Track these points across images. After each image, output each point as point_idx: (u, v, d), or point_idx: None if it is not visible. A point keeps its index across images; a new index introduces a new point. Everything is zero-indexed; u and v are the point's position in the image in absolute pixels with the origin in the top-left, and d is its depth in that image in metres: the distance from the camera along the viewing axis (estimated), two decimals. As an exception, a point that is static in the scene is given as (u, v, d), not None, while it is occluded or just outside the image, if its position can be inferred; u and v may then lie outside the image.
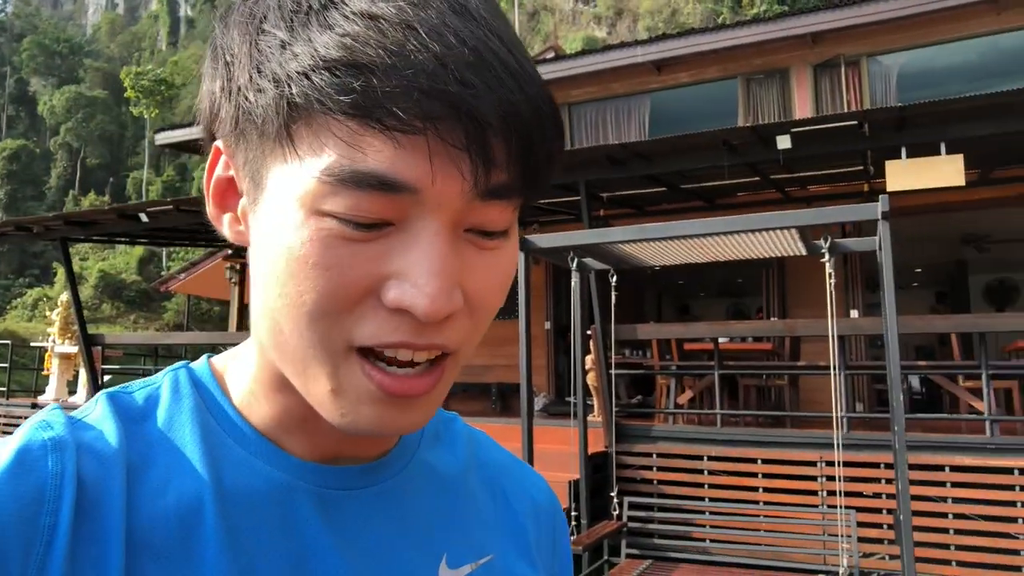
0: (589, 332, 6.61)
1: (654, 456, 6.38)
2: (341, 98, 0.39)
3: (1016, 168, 7.81)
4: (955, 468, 5.59)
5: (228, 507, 0.47)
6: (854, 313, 8.38)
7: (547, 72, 10.06)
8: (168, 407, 0.50)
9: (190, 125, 13.61)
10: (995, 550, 5.40)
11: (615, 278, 4.68)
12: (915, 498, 5.54)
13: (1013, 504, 5.42)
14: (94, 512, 0.43)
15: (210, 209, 0.49)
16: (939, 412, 7.41)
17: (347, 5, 0.41)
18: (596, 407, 6.84)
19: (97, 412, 0.48)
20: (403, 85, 0.39)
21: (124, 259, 50.44)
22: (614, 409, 6.52)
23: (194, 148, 13.79)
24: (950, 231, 10.03)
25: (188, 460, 0.48)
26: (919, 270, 12.64)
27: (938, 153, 5.65)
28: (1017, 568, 5.36)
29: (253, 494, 0.48)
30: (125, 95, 53.64)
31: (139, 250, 48.33)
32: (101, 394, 0.50)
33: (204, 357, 0.55)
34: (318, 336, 0.43)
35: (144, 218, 8.13)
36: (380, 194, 0.40)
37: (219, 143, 0.48)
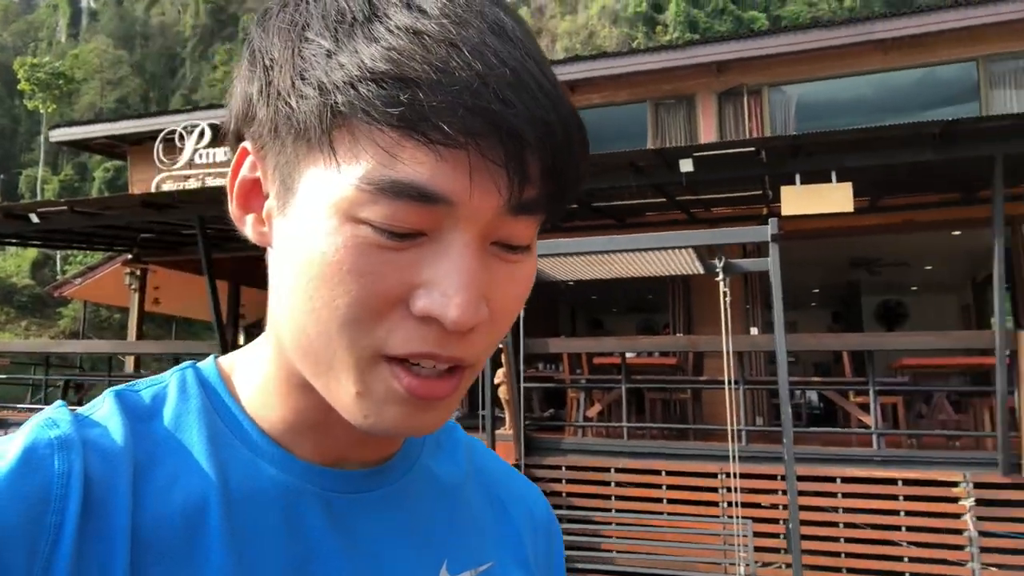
0: (500, 346, 6.64)
1: (563, 468, 6.45)
2: (388, 110, 0.40)
3: (902, 197, 8.35)
4: (845, 479, 5.89)
5: (233, 508, 0.47)
6: (754, 330, 8.74)
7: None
8: (175, 406, 0.50)
9: (91, 123, 12.95)
10: (881, 556, 5.71)
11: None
12: (808, 508, 5.81)
13: (896, 513, 5.76)
14: (100, 511, 0.43)
15: (233, 209, 0.50)
16: (835, 426, 7.77)
17: (391, 19, 0.41)
18: (507, 420, 6.87)
19: (104, 410, 0.48)
20: (448, 101, 0.39)
21: (15, 261, 47.32)
22: (524, 422, 6.57)
23: (95, 148, 13.12)
24: (843, 255, 10.61)
25: (195, 460, 0.48)
26: (816, 291, 13.31)
27: (829, 180, 5.99)
28: (900, 573, 5.69)
29: (258, 496, 0.48)
30: (19, 87, 50.49)
31: (32, 252, 45.47)
32: (108, 392, 0.50)
33: (211, 358, 0.55)
34: (347, 341, 0.44)
35: (35, 219, 7.67)
36: (417, 204, 0.41)
37: (247, 144, 0.48)
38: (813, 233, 8.20)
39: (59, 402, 0.49)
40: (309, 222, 0.43)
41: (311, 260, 0.43)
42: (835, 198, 5.92)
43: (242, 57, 0.48)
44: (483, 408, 5.77)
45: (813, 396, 10.98)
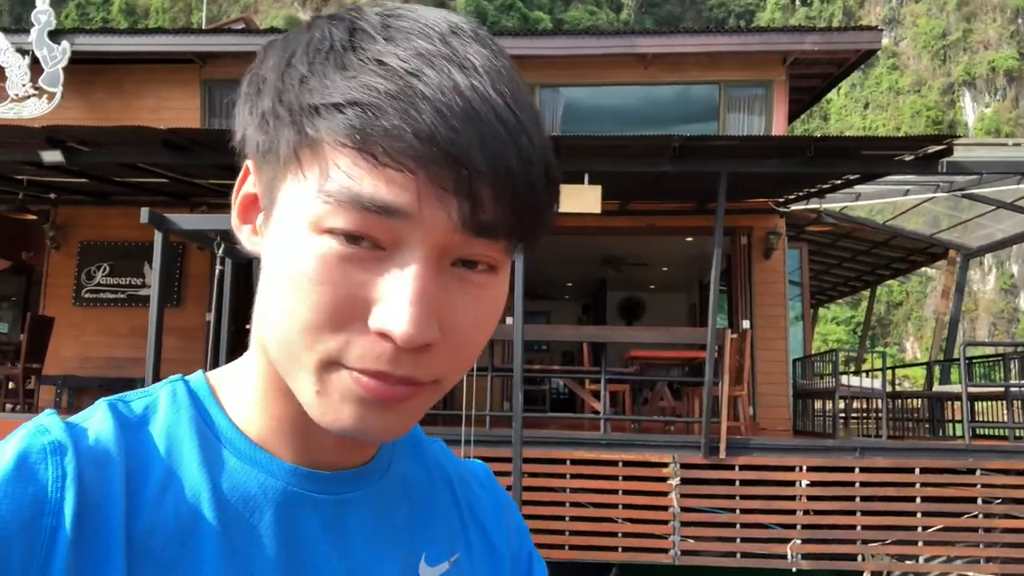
0: (248, 326, 6.28)
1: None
2: (346, 132, 0.43)
3: (647, 203, 9.15)
4: (574, 461, 6.34)
5: (225, 513, 0.49)
6: (509, 320, 9.11)
7: (234, 44, 9.44)
8: (166, 417, 0.52)
9: None
10: (599, 533, 6.23)
11: (269, 270, 4.48)
12: (540, 489, 6.17)
13: (615, 492, 6.31)
14: (94, 517, 0.44)
15: (234, 220, 0.53)
16: (577, 411, 8.33)
17: (365, 51, 0.45)
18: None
19: (96, 419, 0.49)
20: (398, 128, 0.42)
21: None
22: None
23: None
24: (595, 252, 11.43)
25: (186, 468, 0.49)
26: (570, 284, 14.22)
27: (582, 183, 6.38)
28: (615, 548, 6.24)
29: (249, 500, 0.50)
30: None
31: None
32: (100, 402, 0.51)
33: (200, 371, 0.57)
34: (307, 345, 0.46)
35: None
36: (375, 216, 0.43)
37: (249, 162, 0.52)
38: (570, 231, 8.70)
39: (49, 410, 0.50)
40: (284, 233, 0.47)
41: (283, 267, 0.46)
42: (586, 199, 6.31)
43: (245, 79, 0.51)
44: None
45: (560, 383, 11.72)
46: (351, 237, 0.44)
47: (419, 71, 0.44)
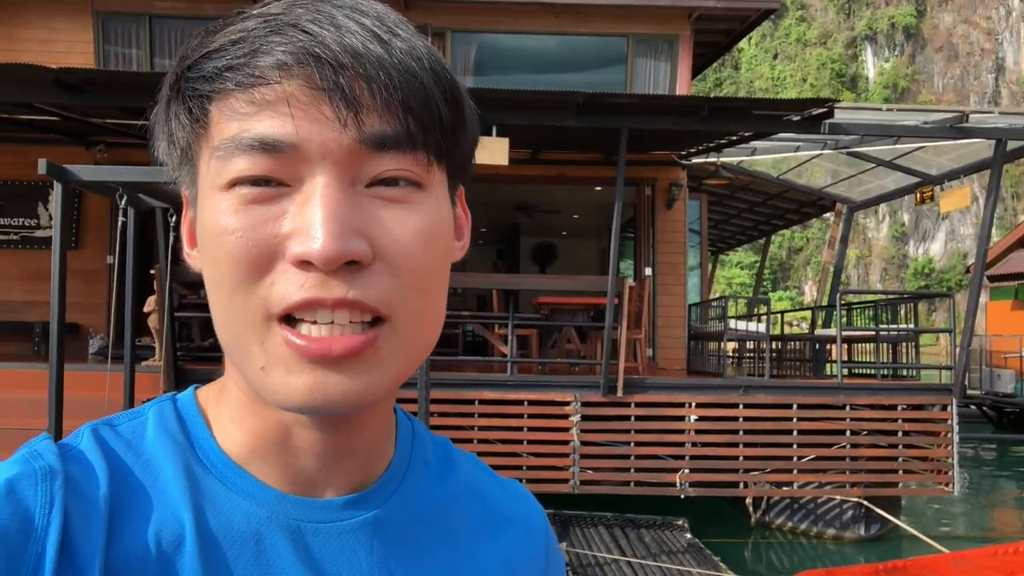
0: (152, 271, 6.21)
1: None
2: (213, 74, 0.44)
3: (558, 153, 9.36)
4: (483, 401, 6.65)
5: (206, 545, 0.47)
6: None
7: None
8: (152, 441, 0.50)
9: None
10: (506, 467, 6.59)
11: (175, 218, 4.47)
12: (449, 428, 6.46)
13: (520, 429, 6.67)
14: (75, 546, 0.43)
15: (185, 250, 0.52)
16: (489, 355, 8.59)
17: (237, 16, 0.46)
18: (157, 351, 6.50)
19: (83, 446, 0.48)
20: (259, 48, 0.43)
21: None
22: (176, 353, 6.28)
23: None
24: (508, 199, 11.60)
25: (169, 498, 0.48)
26: (484, 230, 14.39)
27: (490, 134, 6.51)
28: (520, 479, 6.61)
29: (231, 531, 0.48)
30: None
31: None
32: (86, 427, 0.50)
33: (191, 388, 0.55)
34: (239, 309, 0.45)
35: None
36: (265, 155, 0.44)
37: (182, 189, 0.51)
38: (482, 178, 8.83)
39: (43, 434, 0.49)
40: (201, 212, 0.47)
41: (207, 240, 0.46)
42: (493, 151, 6.44)
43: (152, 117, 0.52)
44: (127, 339, 5.37)
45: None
46: (252, 182, 0.44)
47: (286, 11, 0.45)
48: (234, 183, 0.44)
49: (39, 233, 8.85)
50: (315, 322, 0.44)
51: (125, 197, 3.92)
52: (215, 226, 0.45)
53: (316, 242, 0.42)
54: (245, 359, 0.46)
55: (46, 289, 4.13)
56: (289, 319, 0.44)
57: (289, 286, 0.43)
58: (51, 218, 8.80)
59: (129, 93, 6.08)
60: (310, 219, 0.43)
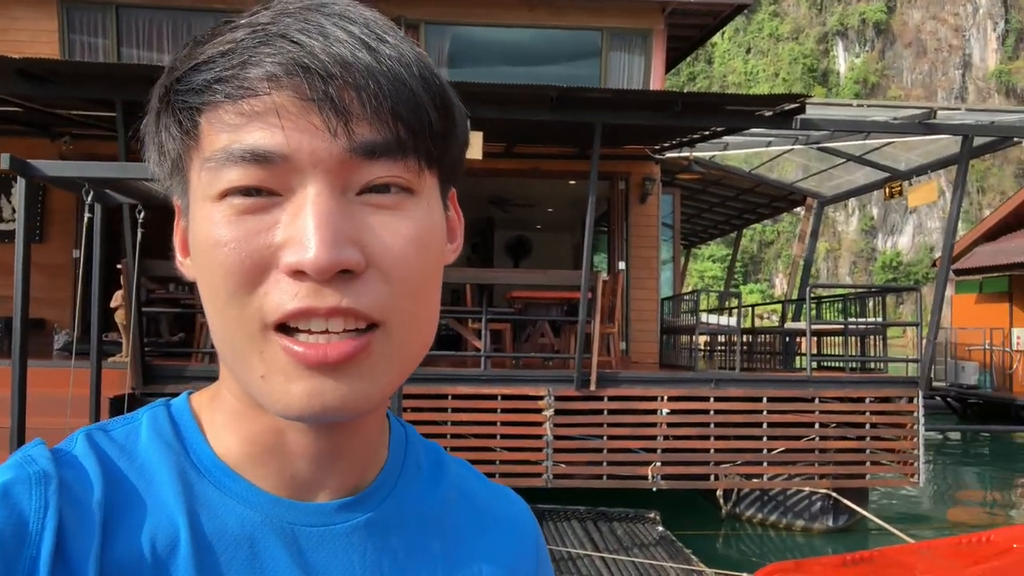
0: (119, 266, 6.11)
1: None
2: (203, 86, 0.44)
3: (532, 147, 9.36)
4: (456, 396, 6.64)
5: (201, 549, 0.47)
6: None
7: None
8: (146, 446, 0.50)
9: None
10: (480, 461, 6.60)
11: (142, 215, 4.40)
12: (422, 423, 6.44)
13: (493, 424, 6.67)
14: (70, 550, 0.43)
15: (178, 259, 0.52)
16: (461, 349, 8.59)
17: (224, 27, 0.46)
18: (124, 347, 6.39)
19: (77, 451, 0.48)
20: (248, 60, 0.43)
21: None
22: (144, 349, 6.18)
23: None
24: (483, 192, 11.59)
25: (163, 502, 0.48)
26: (459, 223, 14.34)
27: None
28: (492, 474, 6.64)
29: (225, 534, 0.48)
30: None
31: None
32: (80, 432, 0.50)
33: (184, 394, 0.55)
34: (235, 319, 0.45)
35: None
36: (256, 166, 0.44)
37: (173, 198, 0.51)
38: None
39: (37, 439, 0.49)
40: (193, 223, 0.47)
41: (199, 254, 0.46)
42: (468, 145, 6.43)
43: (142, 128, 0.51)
44: (92, 335, 5.27)
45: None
46: (244, 193, 0.44)
47: (274, 21, 0.45)
48: (225, 194, 0.45)
49: (2, 227, 8.66)
50: (309, 331, 0.44)
51: (91, 193, 3.83)
52: (208, 237, 0.45)
53: (309, 252, 0.42)
54: (245, 368, 0.46)
55: (10, 284, 4.03)
56: (285, 328, 0.45)
57: (283, 296, 0.44)
58: (15, 211, 8.61)
59: (95, 84, 5.95)
60: (302, 228, 0.43)
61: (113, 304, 6.46)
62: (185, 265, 0.52)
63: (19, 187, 3.78)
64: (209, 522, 0.48)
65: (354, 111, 0.44)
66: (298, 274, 0.43)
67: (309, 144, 0.44)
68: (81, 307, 8.67)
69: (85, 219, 3.97)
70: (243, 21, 0.46)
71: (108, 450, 0.49)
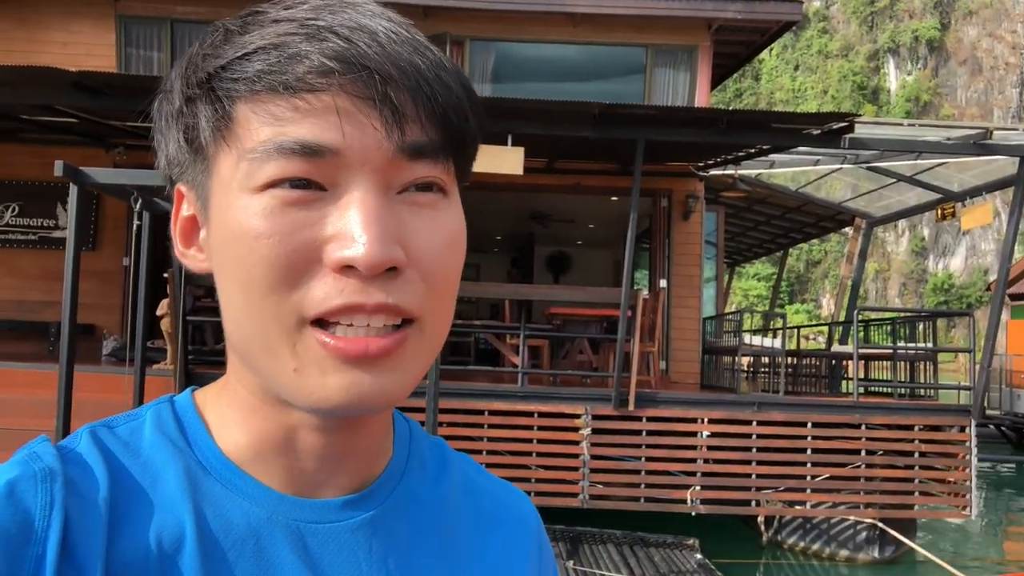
0: (166, 275, 6.23)
1: (228, 404, 6.31)
2: (255, 76, 0.44)
3: (574, 162, 9.33)
4: (492, 412, 6.60)
5: (207, 546, 0.47)
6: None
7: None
8: (150, 443, 0.50)
9: None
10: (515, 479, 6.53)
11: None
12: (458, 438, 6.42)
13: (530, 441, 6.61)
14: (76, 548, 0.43)
15: (178, 248, 0.52)
16: (501, 364, 8.56)
17: (261, 18, 0.46)
18: (169, 354, 6.51)
19: (82, 447, 0.48)
20: (305, 51, 0.43)
21: None
22: (188, 357, 6.28)
23: None
24: (523, 208, 11.59)
25: (168, 500, 0.48)
26: (499, 238, 14.39)
27: (506, 143, 6.49)
28: (528, 492, 6.56)
29: (231, 531, 0.48)
30: None
31: None
32: (84, 428, 0.50)
33: (188, 390, 0.55)
34: (271, 313, 0.44)
35: None
36: (304, 159, 0.43)
37: (180, 185, 0.50)
38: (497, 186, 8.80)
39: (42, 436, 0.49)
40: (224, 212, 0.46)
41: (229, 244, 0.45)
42: (508, 160, 6.42)
43: (155, 105, 0.51)
44: (136, 341, 5.38)
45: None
46: (291, 184, 0.44)
47: (316, 16, 0.45)
48: (270, 185, 0.44)
49: (57, 234, 8.93)
50: (351, 324, 0.44)
51: (140, 200, 3.92)
52: (247, 229, 0.44)
53: (360, 248, 0.43)
54: (274, 362, 0.46)
55: (62, 289, 4.13)
56: (320, 322, 0.44)
57: (329, 291, 0.44)
58: (69, 219, 8.87)
59: (147, 96, 6.09)
60: (353, 225, 0.43)
61: (159, 312, 6.59)
62: (188, 256, 0.51)
63: (71, 193, 3.88)
64: (215, 519, 0.48)
65: (408, 112, 0.45)
66: (345, 269, 0.43)
67: (361, 141, 0.44)
68: (131, 314, 8.89)
69: (134, 226, 4.06)
70: (283, 14, 0.46)
71: (113, 447, 0.49)
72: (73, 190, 3.92)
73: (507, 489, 0.64)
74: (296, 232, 0.44)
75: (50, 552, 0.42)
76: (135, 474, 0.48)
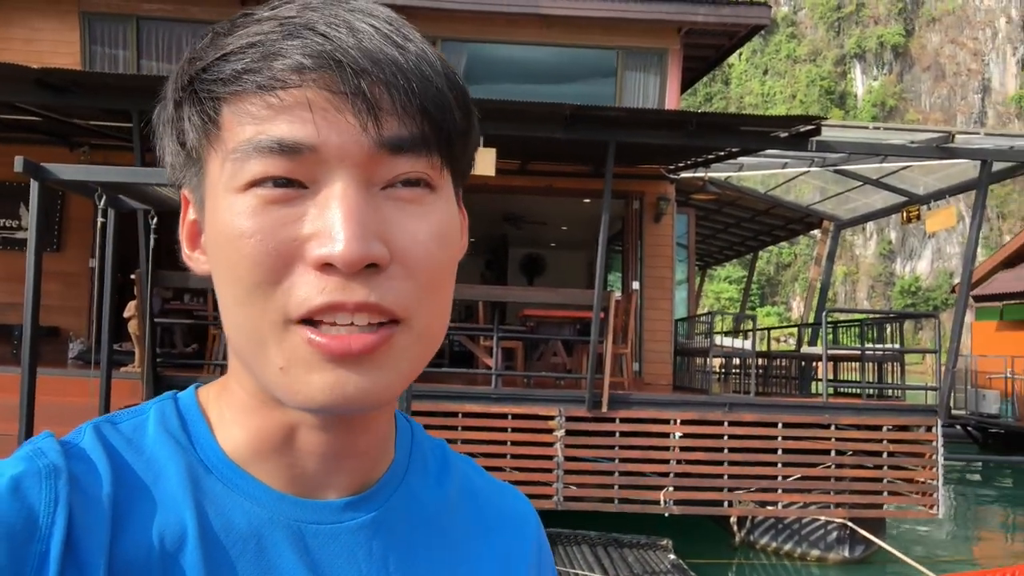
0: (133, 276, 6.11)
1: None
2: (231, 76, 0.44)
3: (546, 164, 9.33)
4: (466, 414, 6.57)
5: (208, 545, 0.47)
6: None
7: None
8: (153, 440, 0.50)
9: None
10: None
11: (155, 220, 4.39)
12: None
13: (504, 443, 6.59)
14: (80, 545, 0.43)
15: (185, 252, 0.52)
16: (474, 366, 8.52)
17: (247, 19, 0.46)
18: (136, 357, 6.39)
19: (85, 443, 0.48)
20: (277, 50, 0.43)
21: None
22: (156, 360, 6.17)
23: None
24: (497, 209, 11.57)
25: (171, 497, 0.48)
26: (472, 240, 14.33)
27: (479, 144, 6.46)
28: (501, 495, 6.54)
29: (232, 531, 0.48)
30: None
31: None
32: (88, 425, 0.50)
33: (192, 387, 0.55)
34: (258, 311, 0.44)
35: None
36: (283, 157, 0.43)
37: (183, 190, 0.51)
38: (471, 188, 8.72)
39: (46, 432, 0.49)
40: (214, 213, 0.46)
41: (220, 242, 0.46)
42: (481, 160, 6.41)
43: (154, 116, 0.51)
44: (102, 343, 5.26)
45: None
46: (273, 183, 0.44)
47: (298, 14, 0.45)
48: (252, 184, 0.44)
49: (20, 234, 8.72)
50: (334, 323, 0.44)
51: (104, 197, 3.83)
52: (232, 229, 0.45)
53: (338, 245, 0.42)
54: (263, 361, 0.46)
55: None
56: (307, 320, 0.44)
57: (310, 290, 0.43)
58: (32, 220, 8.67)
59: (113, 95, 5.99)
60: (331, 222, 0.43)
61: (127, 314, 6.46)
62: (193, 259, 0.52)
63: (32, 190, 3.78)
64: (216, 518, 0.48)
65: (384, 106, 0.44)
66: (325, 267, 0.43)
67: (338, 137, 0.44)
68: (97, 316, 8.71)
69: (98, 224, 3.97)
70: (267, 13, 0.46)
71: (116, 443, 0.49)
72: (34, 187, 3.82)
73: (507, 491, 0.64)
74: (278, 230, 0.44)
75: (54, 549, 0.42)
76: (138, 471, 0.48)
